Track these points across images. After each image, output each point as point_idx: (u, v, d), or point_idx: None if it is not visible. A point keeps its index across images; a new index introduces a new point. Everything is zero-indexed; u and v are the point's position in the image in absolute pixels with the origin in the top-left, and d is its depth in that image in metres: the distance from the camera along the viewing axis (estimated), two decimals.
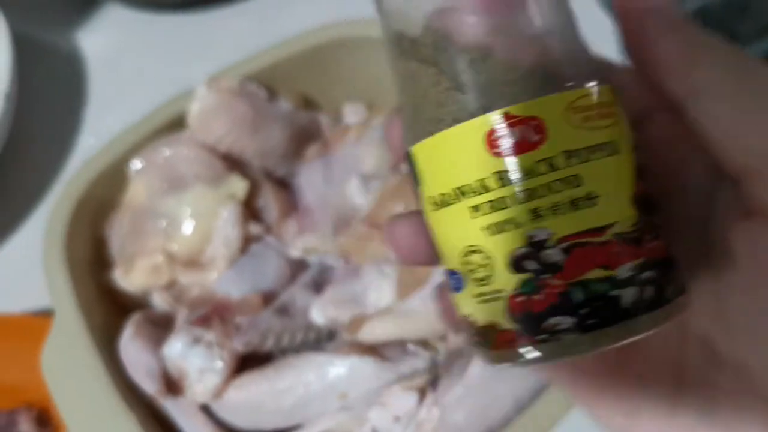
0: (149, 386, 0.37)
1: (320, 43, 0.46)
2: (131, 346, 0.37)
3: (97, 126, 0.62)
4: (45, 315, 0.45)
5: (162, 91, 0.45)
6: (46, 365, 0.37)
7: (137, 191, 0.42)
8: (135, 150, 0.42)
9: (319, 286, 0.42)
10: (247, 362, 0.39)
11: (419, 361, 0.37)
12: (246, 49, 0.46)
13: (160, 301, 0.42)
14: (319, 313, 0.40)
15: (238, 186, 0.42)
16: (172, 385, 0.38)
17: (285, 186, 0.47)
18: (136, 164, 0.42)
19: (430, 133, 0.19)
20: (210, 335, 0.37)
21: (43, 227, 0.40)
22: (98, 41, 0.67)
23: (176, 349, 0.37)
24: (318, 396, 0.37)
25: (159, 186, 0.42)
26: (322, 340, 0.41)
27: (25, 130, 0.60)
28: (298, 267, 0.43)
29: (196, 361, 0.37)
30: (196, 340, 0.37)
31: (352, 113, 0.49)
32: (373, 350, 0.38)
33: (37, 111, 0.62)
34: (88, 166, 0.42)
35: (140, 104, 0.46)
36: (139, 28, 0.65)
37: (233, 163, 0.44)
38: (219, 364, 0.37)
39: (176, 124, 0.43)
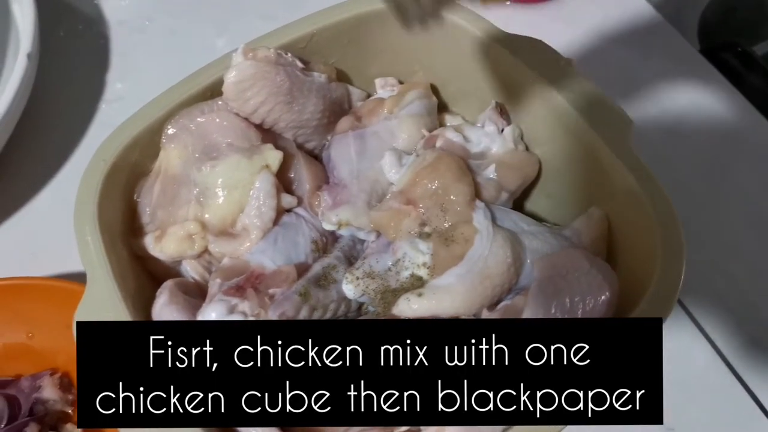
0: None
1: (354, 16, 0.46)
2: (166, 312, 0.37)
3: (120, 87, 0.61)
4: (74, 280, 0.44)
5: (188, 57, 0.44)
6: None
7: (170, 158, 0.42)
8: (169, 116, 0.42)
9: (350, 259, 0.42)
10: None
11: None
12: (279, 19, 0.45)
13: (190, 270, 0.42)
14: (351, 286, 0.40)
15: (272, 156, 0.41)
16: None
17: (315, 158, 0.46)
18: (170, 130, 0.42)
19: None
20: (244, 305, 0.37)
21: (67, 189, 0.39)
22: (124, 2, 0.66)
23: (211, 317, 0.37)
24: None
25: (192, 154, 0.41)
26: (353, 313, 0.41)
27: (48, 91, 0.59)
28: (329, 240, 0.43)
29: None
30: (231, 310, 0.37)
31: (383, 87, 0.49)
32: None
33: (61, 72, 0.61)
34: (122, 130, 0.41)
35: (165, 69, 0.45)
36: None
37: (266, 133, 0.43)
38: None
39: (210, 92, 0.43)
